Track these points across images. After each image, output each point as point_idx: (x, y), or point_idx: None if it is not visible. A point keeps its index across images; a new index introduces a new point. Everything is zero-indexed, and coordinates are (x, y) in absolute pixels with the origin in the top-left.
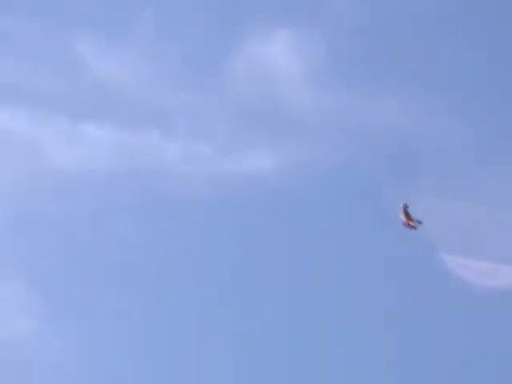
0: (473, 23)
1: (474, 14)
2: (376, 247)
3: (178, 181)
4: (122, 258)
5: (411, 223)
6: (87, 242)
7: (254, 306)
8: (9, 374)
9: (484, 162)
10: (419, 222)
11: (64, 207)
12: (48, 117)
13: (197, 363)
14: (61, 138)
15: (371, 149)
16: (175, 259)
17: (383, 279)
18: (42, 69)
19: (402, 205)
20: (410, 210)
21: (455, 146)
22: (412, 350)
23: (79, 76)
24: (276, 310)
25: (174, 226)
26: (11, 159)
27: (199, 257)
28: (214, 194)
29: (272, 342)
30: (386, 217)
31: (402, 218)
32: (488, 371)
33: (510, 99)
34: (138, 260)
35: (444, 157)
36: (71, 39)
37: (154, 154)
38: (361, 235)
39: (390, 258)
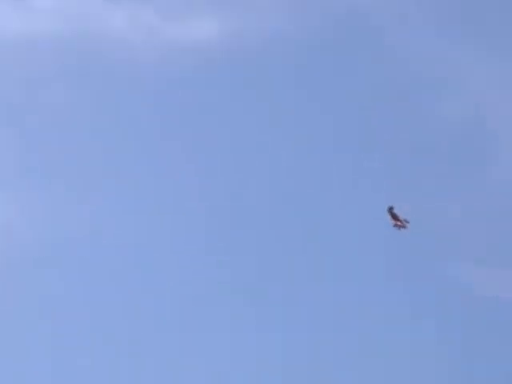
0: None
1: None
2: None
3: (124, 48)
4: (62, 124)
5: (399, 223)
6: (27, 107)
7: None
8: None
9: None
10: (406, 221)
11: (2, 73)
12: None
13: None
14: None
15: (323, 13)
16: (121, 126)
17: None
18: None
19: (387, 208)
20: (396, 211)
21: (417, 22)
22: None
23: None
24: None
25: (120, 95)
26: None
27: (146, 126)
28: (161, 61)
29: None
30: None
31: (390, 220)
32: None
33: None
34: (82, 124)
35: (404, 30)
36: None
37: (99, 20)
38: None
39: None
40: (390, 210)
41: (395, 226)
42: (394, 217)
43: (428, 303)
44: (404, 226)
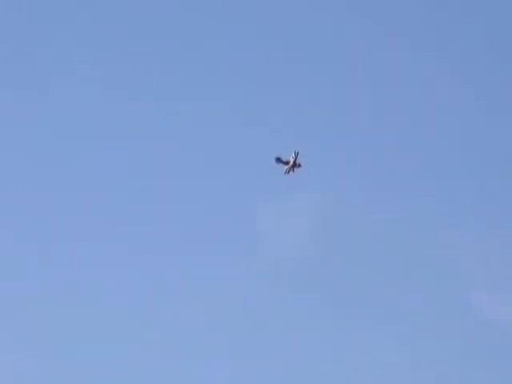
0: None
1: None
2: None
3: None
4: None
5: (291, 165)
6: None
7: None
8: None
9: None
10: (295, 157)
11: None
12: None
13: None
14: None
15: None
16: None
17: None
18: None
19: (274, 160)
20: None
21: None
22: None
23: None
24: None
25: None
26: None
27: None
28: None
29: None
30: None
31: (284, 168)
32: None
33: None
34: None
35: None
36: None
37: None
38: None
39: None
40: (278, 160)
41: (288, 171)
42: (285, 162)
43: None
44: (298, 164)
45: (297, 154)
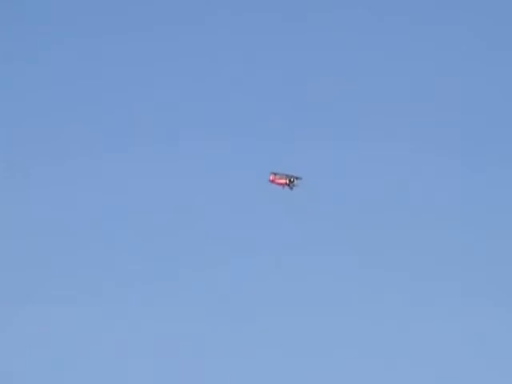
0: None
1: None
2: None
3: None
4: None
5: (286, 182)
6: None
7: None
8: None
9: None
10: (297, 178)
11: None
12: None
13: None
14: None
15: None
16: None
17: None
18: None
19: (270, 177)
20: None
21: None
22: None
23: None
24: None
25: None
26: None
27: None
28: None
29: None
30: None
31: (279, 182)
32: None
33: None
34: None
35: None
36: None
37: None
38: None
39: None
40: (274, 174)
41: (283, 185)
42: (282, 178)
43: None
44: (294, 181)
45: (295, 178)
